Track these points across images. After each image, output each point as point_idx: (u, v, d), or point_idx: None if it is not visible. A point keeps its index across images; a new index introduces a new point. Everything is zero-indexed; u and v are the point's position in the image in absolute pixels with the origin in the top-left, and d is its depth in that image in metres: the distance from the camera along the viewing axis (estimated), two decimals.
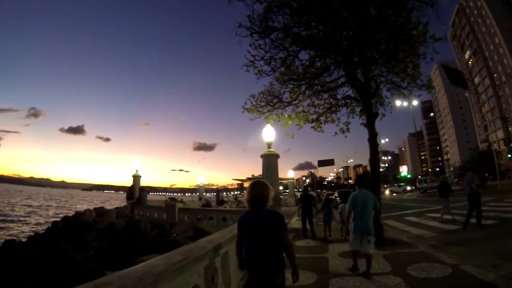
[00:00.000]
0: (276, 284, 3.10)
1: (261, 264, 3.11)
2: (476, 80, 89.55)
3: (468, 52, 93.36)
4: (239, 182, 37.64)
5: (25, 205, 61.61)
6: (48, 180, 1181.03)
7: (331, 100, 11.81)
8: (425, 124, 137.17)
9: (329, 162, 47.69)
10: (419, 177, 60.97)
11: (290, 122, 11.63)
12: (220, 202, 27.55)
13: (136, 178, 23.23)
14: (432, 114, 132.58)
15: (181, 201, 30.12)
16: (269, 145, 12.81)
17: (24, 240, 15.95)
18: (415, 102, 50.50)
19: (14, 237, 17.62)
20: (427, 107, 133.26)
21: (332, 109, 11.90)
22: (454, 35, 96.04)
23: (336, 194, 34.25)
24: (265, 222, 3.13)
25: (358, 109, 11.77)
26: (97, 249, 10.30)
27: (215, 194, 41.06)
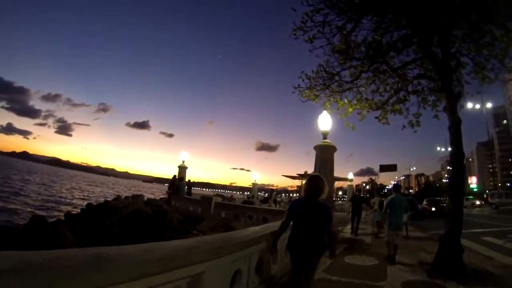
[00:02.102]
0: (314, 266, 3.61)
1: (307, 247, 3.47)
2: None
3: None
4: (293, 180, 35.18)
5: (86, 190, 65.42)
6: (113, 170, 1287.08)
7: (399, 84, 9.64)
8: (497, 132, 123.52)
9: (391, 168, 44.25)
10: (490, 191, 54.65)
11: (350, 109, 9.77)
12: (264, 200, 23.62)
13: (182, 169, 22.21)
14: (505, 121, 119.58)
15: (231, 197, 28.65)
16: (324, 135, 11.16)
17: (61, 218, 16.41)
18: (488, 105, 45.33)
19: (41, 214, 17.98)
20: (500, 113, 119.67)
21: (400, 95, 9.84)
22: None
23: None
24: (317, 211, 3.52)
25: (431, 98, 9.75)
26: (96, 236, 9.50)
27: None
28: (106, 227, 11.48)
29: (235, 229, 10.79)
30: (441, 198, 34.82)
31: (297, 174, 30.29)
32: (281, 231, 3.83)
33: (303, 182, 31.18)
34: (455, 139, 7.34)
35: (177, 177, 21.46)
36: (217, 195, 27.77)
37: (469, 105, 30.77)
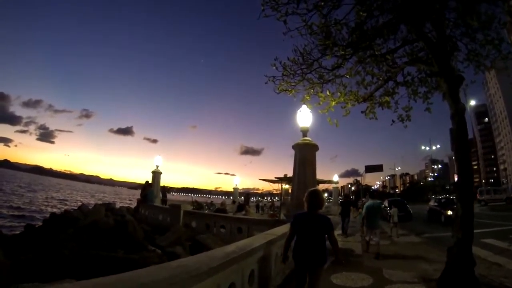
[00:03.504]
0: (318, 275, 3.80)
1: (310, 257, 3.72)
2: None
3: None
4: (272, 184, 33.69)
5: (64, 199, 62.80)
6: (97, 177, 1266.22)
7: (387, 73, 8.37)
8: (479, 130, 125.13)
9: (377, 168, 43.69)
10: (476, 188, 54.56)
11: (333, 103, 8.40)
12: (239, 207, 22.00)
13: (156, 174, 20.64)
14: (486, 119, 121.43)
15: (211, 203, 27.14)
16: (304, 133, 9.94)
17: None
18: (472, 102, 45.00)
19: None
20: (481, 112, 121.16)
21: (388, 87, 8.60)
22: None
23: (386, 203, 27.53)
24: (318, 223, 3.83)
25: (422, 89, 8.58)
26: (35, 254, 8.35)
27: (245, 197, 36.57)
28: (59, 241, 10.06)
29: (204, 244, 9.39)
30: (397, 198, 33.38)
31: (276, 178, 28.96)
32: (288, 244, 4.00)
33: (283, 186, 29.86)
34: (460, 129, 6.03)
35: (147, 183, 19.80)
36: (194, 201, 25.94)
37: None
